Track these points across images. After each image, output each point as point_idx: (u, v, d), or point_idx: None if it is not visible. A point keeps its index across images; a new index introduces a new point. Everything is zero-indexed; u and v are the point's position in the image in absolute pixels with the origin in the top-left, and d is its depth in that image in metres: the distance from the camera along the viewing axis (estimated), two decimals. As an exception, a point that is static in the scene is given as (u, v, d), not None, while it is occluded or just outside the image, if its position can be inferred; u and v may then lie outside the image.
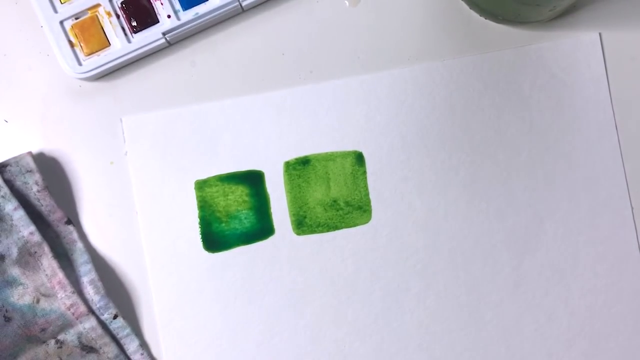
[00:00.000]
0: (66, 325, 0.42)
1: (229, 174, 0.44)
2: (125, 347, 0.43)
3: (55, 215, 0.43)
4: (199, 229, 0.43)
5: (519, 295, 0.43)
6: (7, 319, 0.41)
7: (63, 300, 0.42)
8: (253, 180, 0.44)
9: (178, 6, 0.43)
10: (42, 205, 0.42)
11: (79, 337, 0.42)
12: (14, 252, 0.41)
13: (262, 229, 0.44)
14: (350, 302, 0.43)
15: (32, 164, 0.42)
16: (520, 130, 0.44)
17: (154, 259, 0.43)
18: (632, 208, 0.43)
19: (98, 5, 0.43)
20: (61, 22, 0.43)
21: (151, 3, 0.43)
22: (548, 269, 0.43)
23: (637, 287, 0.43)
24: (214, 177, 0.44)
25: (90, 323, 0.42)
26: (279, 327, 0.43)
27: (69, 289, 0.42)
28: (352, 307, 0.43)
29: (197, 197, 0.44)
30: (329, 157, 0.44)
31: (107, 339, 0.42)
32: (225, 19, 0.44)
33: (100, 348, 0.42)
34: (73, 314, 0.42)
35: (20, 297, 0.42)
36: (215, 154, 0.44)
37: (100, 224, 0.44)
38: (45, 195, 0.42)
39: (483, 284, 0.43)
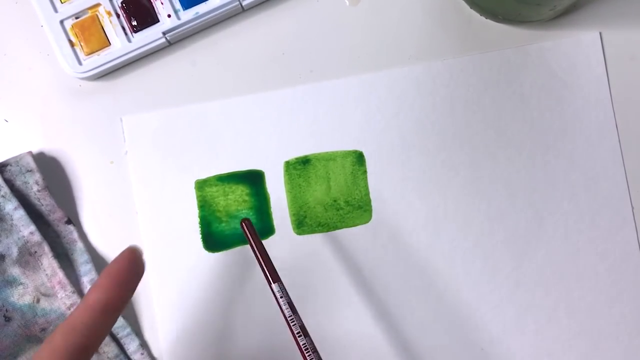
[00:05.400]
0: (66, 325, 0.42)
1: (229, 174, 0.44)
2: (125, 346, 0.43)
3: (56, 215, 0.43)
4: (199, 229, 0.43)
5: (519, 295, 0.43)
6: (7, 319, 0.41)
7: (63, 300, 0.42)
8: (253, 179, 0.44)
9: (178, 5, 0.43)
10: (42, 205, 0.42)
11: (79, 337, 0.42)
12: (14, 251, 0.41)
13: (262, 228, 0.44)
14: (350, 302, 0.43)
15: (32, 164, 0.42)
16: (520, 130, 0.44)
17: (154, 259, 0.43)
18: (632, 208, 0.43)
19: (98, 4, 0.43)
20: (61, 22, 0.43)
21: (151, 2, 0.43)
22: (548, 269, 0.43)
23: (637, 287, 0.43)
24: (214, 176, 0.44)
25: (90, 323, 0.42)
26: (279, 328, 0.43)
27: (69, 288, 0.42)
28: (352, 307, 0.43)
29: (197, 196, 0.44)
30: (329, 157, 0.44)
31: (107, 339, 0.42)
32: (225, 18, 0.44)
33: (100, 348, 0.42)
34: (73, 313, 0.42)
35: (21, 296, 0.42)
36: (215, 154, 0.44)
37: (100, 223, 0.44)
38: (46, 194, 0.42)
39: (483, 284, 0.43)
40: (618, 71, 0.44)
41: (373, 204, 0.44)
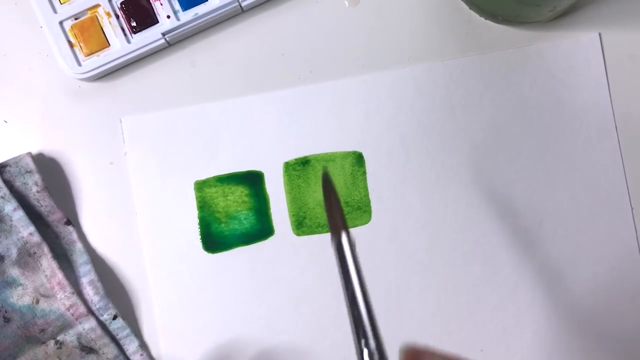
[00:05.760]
0: (66, 326, 0.42)
1: (228, 175, 0.44)
2: (125, 347, 0.42)
3: (55, 216, 0.43)
4: (199, 230, 0.43)
5: (518, 296, 0.43)
6: (7, 320, 0.41)
7: (62, 300, 0.42)
8: (253, 180, 0.44)
9: (177, 6, 0.43)
10: (42, 206, 0.42)
11: (78, 338, 0.42)
12: (14, 252, 0.41)
13: (261, 229, 0.43)
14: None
15: (31, 165, 0.42)
16: (520, 131, 0.44)
17: (153, 260, 0.43)
18: (632, 208, 0.43)
19: (97, 5, 0.43)
20: (61, 23, 0.43)
21: (151, 3, 0.43)
22: (548, 269, 0.43)
23: (637, 287, 0.43)
24: (214, 177, 0.44)
25: (89, 324, 0.42)
26: (279, 327, 0.43)
27: (69, 289, 0.42)
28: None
29: (197, 197, 0.43)
30: (329, 158, 0.44)
31: (106, 340, 0.42)
32: (224, 19, 0.44)
33: (100, 349, 0.42)
34: (72, 314, 0.42)
35: (20, 297, 0.42)
36: (215, 154, 0.44)
37: (100, 224, 0.43)
38: (45, 195, 0.42)
39: (483, 284, 0.43)
40: (617, 72, 0.44)
41: (372, 204, 0.44)
